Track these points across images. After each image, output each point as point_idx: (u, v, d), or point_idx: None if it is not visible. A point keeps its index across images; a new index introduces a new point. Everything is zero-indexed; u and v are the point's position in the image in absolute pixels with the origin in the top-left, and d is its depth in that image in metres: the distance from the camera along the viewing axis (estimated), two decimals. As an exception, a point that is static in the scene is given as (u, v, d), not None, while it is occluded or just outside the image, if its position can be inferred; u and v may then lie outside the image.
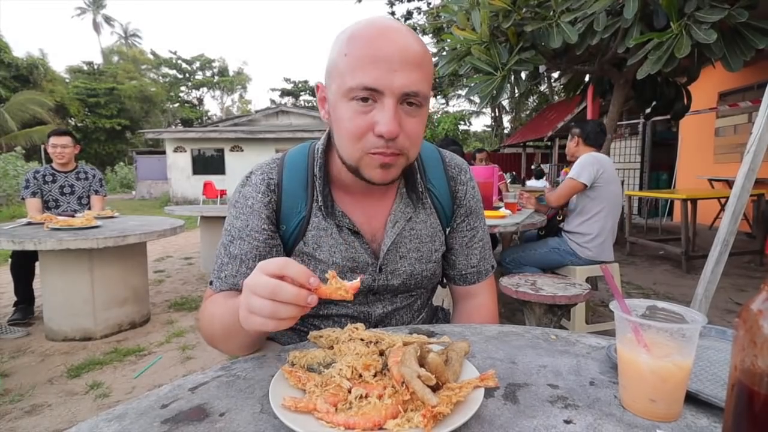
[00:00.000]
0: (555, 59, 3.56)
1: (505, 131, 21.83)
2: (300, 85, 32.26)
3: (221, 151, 15.00)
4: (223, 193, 10.92)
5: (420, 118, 0.68)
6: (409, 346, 0.51)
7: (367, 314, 0.82)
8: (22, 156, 12.34)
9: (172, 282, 4.02)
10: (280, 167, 0.80)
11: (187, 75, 34.75)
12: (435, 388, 0.46)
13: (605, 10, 2.84)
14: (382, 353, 0.56)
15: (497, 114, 22.39)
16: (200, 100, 36.23)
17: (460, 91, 18.70)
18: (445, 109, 21.66)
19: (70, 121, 24.44)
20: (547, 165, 11.76)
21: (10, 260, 2.84)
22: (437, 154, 0.87)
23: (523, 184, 8.78)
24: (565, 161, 9.54)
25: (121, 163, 22.51)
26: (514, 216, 2.53)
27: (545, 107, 15.21)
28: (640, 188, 7.84)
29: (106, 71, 28.22)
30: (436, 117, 17.94)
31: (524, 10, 3.15)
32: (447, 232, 0.86)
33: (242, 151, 14.88)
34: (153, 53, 34.08)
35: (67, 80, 26.83)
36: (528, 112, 21.13)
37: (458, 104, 22.47)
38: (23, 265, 2.80)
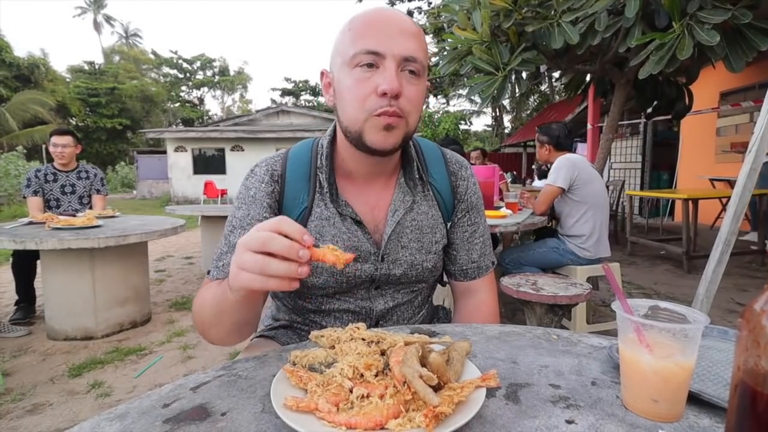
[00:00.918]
0: (556, 59, 3.56)
1: (506, 131, 21.81)
2: (300, 85, 32.27)
3: (222, 150, 15.02)
4: (223, 192, 10.92)
5: (419, 86, 0.71)
6: (410, 346, 0.51)
7: (369, 309, 0.83)
8: (23, 156, 12.36)
9: (173, 281, 4.02)
10: (284, 159, 0.83)
11: (188, 75, 34.79)
12: (436, 388, 0.46)
13: (606, 9, 2.83)
14: (383, 353, 0.56)
15: (498, 114, 22.37)
16: (201, 100, 36.27)
17: (460, 91, 18.68)
18: (446, 109, 21.64)
19: (71, 120, 24.47)
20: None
21: (11, 259, 2.85)
22: (439, 152, 0.89)
23: (524, 184, 8.77)
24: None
25: (122, 163, 22.51)
26: (515, 216, 2.53)
27: (546, 107, 15.19)
28: (642, 188, 7.83)
29: (107, 71, 28.25)
30: (436, 117, 17.93)
31: (525, 9, 3.15)
32: (448, 226, 0.88)
33: (243, 150, 14.90)
34: (154, 53, 34.13)
35: (69, 80, 26.88)
36: (529, 112, 21.12)
37: (459, 104, 22.48)
38: (24, 264, 2.80)
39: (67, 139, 3.05)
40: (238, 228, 0.77)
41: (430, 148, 0.89)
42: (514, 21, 3.14)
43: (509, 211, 2.59)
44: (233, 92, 38.90)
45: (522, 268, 2.52)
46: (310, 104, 30.35)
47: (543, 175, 9.24)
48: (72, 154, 3.07)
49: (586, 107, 6.41)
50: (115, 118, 25.49)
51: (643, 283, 3.75)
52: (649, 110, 4.03)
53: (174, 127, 25.54)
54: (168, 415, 0.48)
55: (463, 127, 20.18)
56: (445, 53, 3.71)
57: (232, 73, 37.60)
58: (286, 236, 0.49)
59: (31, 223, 2.67)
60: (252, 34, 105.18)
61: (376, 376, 0.51)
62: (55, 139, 3.02)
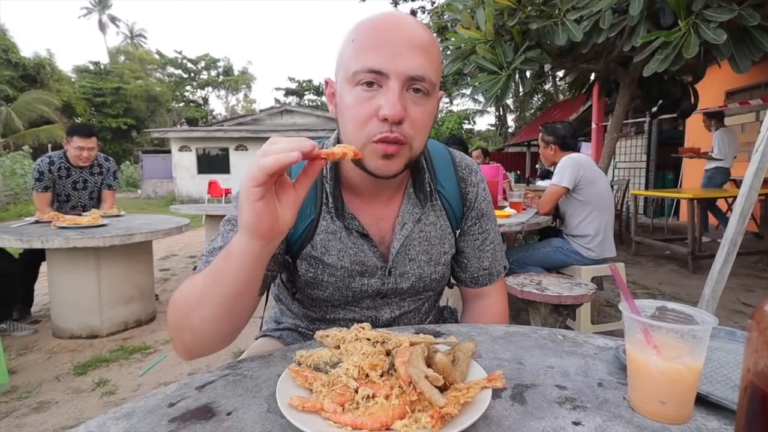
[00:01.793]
0: (560, 58, 3.54)
1: (510, 130, 21.75)
2: (304, 85, 32.31)
3: (226, 150, 15.06)
4: (227, 191, 10.95)
5: (426, 107, 0.66)
6: (416, 346, 0.51)
7: (375, 319, 0.81)
8: (29, 155, 12.45)
9: (177, 280, 4.04)
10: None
11: (192, 74, 34.92)
12: (442, 389, 0.46)
13: (611, 7, 2.81)
14: (388, 353, 0.55)
15: (502, 113, 22.31)
16: (205, 100, 36.40)
17: (464, 90, 18.65)
18: (450, 108, 21.61)
19: (76, 120, 24.60)
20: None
21: (18, 257, 2.85)
22: (447, 155, 0.85)
23: (528, 183, 8.74)
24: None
25: (127, 162, 22.63)
26: (519, 215, 2.53)
27: (550, 106, 15.13)
28: (646, 187, 7.78)
29: (113, 71, 28.40)
30: (440, 116, 17.93)
31: (529, 8, 3.13)
32: (457, 234, 0.85)
33: (247, 150, 14.93)
34: (158, 53, 34.30)
35: (74, 80, 27.04)
36: (533, 111, 21.03)
37: (462, 103, 22.45)
38: (29, 266, 2.80)
39: (93, 141, 2.90)
40: (237, 226, 0.73)
41: (439, 153, 0.85)
42: (518, 19, 3.13)
43: (513, 211, 2.58)
44: (237, 92, 39.01)
45: (526, 267, 2.51)
46: (314, 104, 30.37)
47: (545, 175, 9.20)
48: (93, 156, 2.96)
49: (591, 106, 6.38)
50: (120, 117, 25.63)
51: (648, 284, 3.73)
52: (654, 109, 4.01)
53: (178, 126, 25.66)
54: (174, 414, 0.48)
55: (466, 126, 20.16)
56: (449, 52, 3.70)
57: (236, 72, 37.70)
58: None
59: (37, 222, 2.69)
60: (256, 34, 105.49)
61: (382, 376, 0.51)
62: (80, 142, 2.83)
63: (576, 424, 0.46)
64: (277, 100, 33.12)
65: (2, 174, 10.21)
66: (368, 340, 0.57)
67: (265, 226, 0.50)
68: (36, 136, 17.62)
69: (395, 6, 13.43)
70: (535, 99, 20.40)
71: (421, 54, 0.63)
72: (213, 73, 36.02)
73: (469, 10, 3.34)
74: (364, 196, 0.77)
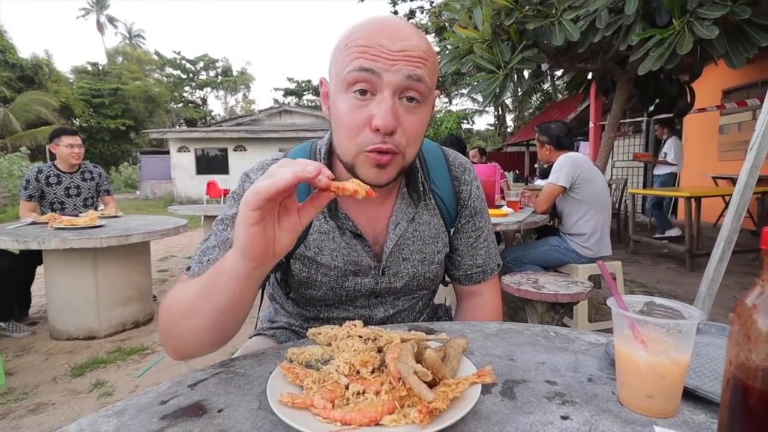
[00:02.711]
0: (557, 57, 3.55)
1: (509, 130, 21.76)
2: (303, 85, 32.32)
3: (225, 150, 15.05)
4: (226, 192, 10.93)
5: (420, 116, 0.66)
6: (406, 343, 0.52)
7: (369, 318, 0.81)
8: (27, 156, 12.43)
9: (175, 281, 4.03)
10: None
11: (191, 75, 34.89)
12: (432, 385, 0.47)
13: (607, 7, 2.82)
14: (380, 350, 0.56)
15: (500, 113, 22.32)
16: (204, 100, 36.36)
17: (462, 90, 18.66)
18: (448, 108, 21.62)
19: (74, 121, 24.56)
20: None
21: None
22: (440, 153, 0.86)
23: (526, 183, 8.75)
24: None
25: (126, 163, 22.58)
26: (516, 214, 2.53)
27: (548, 106, 15.15)
28: (644, 186, 7.79)
29: (111, 72, 28.34)
30: (438, 116, 17.93)
31: (526, 7, 3.14)
32: (451, 232, 0.85)
33: (246, 150, 14.92)
34: (157, 53, 34.22)
35: (72, 81, 26.97)
36: (531, 111, 21.04)
37: (461, 103, 22.44)
38: (26, 267, 2.79)
39: (79, 139, 3.02)
40: (232, 226, 0.71)
41: (432, 152, 0.85)
42: (515, 19, 3.14)
43: (510, 210, 2.59)
44: (236, 92, 38.98)
45: (523, 266, 2.52)
46: (313, 104, 30.36)
47: (544, 174, 9.22)
48: (82, 153, 3.04)
49: (589, 106, 6.39)
50: (119, 118, 25.57)
51: (646, 282, 3.74)
52: (651, 108, 4.02)
53: (177, 127, 25.60)
54: (165, 411, 0.49)
55: (465, 126, 20.17)
56: (447, 52, 3.71)
57: (234, 73, 37.67)
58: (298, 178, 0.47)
59: (34, 223, 2.68)
60: (255, 34, 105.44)
61: (373, 372, 0.51)
62: (69, 140, 2.94)
63: (564, 418, 0.46)
64: (276, 101, 33.14)
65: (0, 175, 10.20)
66: (360, 337, 0.58)
67: (258, 250, 0.49)
68: (34, 137, 17.56)
69: (394, 6, 13.45)
70: (534, 99, 20.41)
71: (415, 62, 0.62)
72: (212, 73, 36.00)
73: (466, 10, 3.34)
74: None
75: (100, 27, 35.89)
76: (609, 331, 0.73)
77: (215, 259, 0.68)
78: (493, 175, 2.82)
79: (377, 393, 0.47)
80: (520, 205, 2.79)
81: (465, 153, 4.03)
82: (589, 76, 4.26)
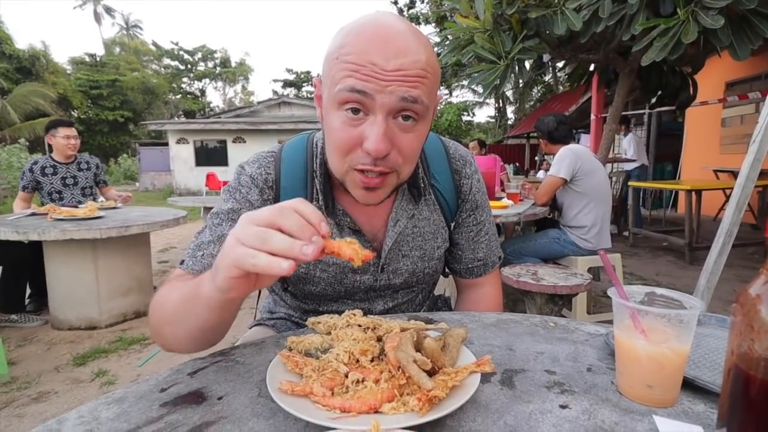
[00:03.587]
0: (559, 47, 3.51)
1: (509, 122, 21.65)
2: (302, 76, 32.06)
3: (224, 142, 14.99)
4: (225, 183, 10.92)
5: (417, 133, 0.63)
6: (405, 332, 0.52)
7: (368, 311, 0.81)
8: (25, 148, 12.39)
9: (175, 272, 4.04)
10: (277, 162, 0.76)
11: (189, 66, 34.60)
12: (432, 373, 0.47)
13: (611, -4, 2.79)
14: (379, 339, 0.56)
15: (501, 105, 22.19)
16: (202, 92, 36.12)
17: (463, 82, 18.52)
18: (449, 100, 21.50)
19: (73, 113, 24.43)
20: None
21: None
22: (440, 145, 0.84)
23: (527, 175, 8.73)
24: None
25: (125, 155, 22.50)
26: (516, 206, 2.53)
27: (550, 98, 15.05)
28: (645, 179, 7.77)
29: (109, 63, 28.10)
30: (439, 107, 17.79)
31: (529, -4, 3.11)
32: (451, 227, 0.84)
33: (245, 142, 14.87)
34: (155, 44, 33.91)
35: (70, 72, 26.77)
36: (532, 103, 20.92)
37: (461, 95, 22.30)
38: (35, 257, 2.78)
39: (75, 131, 3.06)
40: (228, 221, 0.70)
41: (432, 145, 0.83)
42: (517, 8, 3.10)
43: (510, 202, 2.59)
44: (235, 84, 38.70)
45: (523, 258, 2.52)
46: (312, 95, 30.12)
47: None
48: (78, 144, 3.08)
49: (590, 98, 6.35)
50: (117, 110, 25.42)
51: (645, 275, 3.75)
52: (653, 100, 3.99)
53: (176, 118, 25.50)
54: (165, 399, 0.49)
55: (466, 118, 20.07)
56: (447, 42, 3.68)
57: (233, 64, 37.36)
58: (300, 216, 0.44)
59: (33, 214, 2.68)
60: (253, 25, 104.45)
61: (372, 361, 0.51)
62: (66, 131, 2.99)
63: (563, 407, 0.46)
64: (275, 92, 32.93)
65: (-1, 167, 10.18)
66: (359, 326, 0.58)
67: (239, 292, 0.48)
68: (32, 128, 17.48)
69: (394, -3, 13.27)
70: (535, 91, 20.28)
71: (411, 82, 0.58)
72: (210, 64, 35.69)
73: (467, -1, 3.30)
74: None
75: (97, 17, 35.51)
76: (608, 322, 0.73)
77: (210, 254, 0.67)
78: (494, 166, 2.82)
79: (376, 381, 0.47)
80: (520, 197, 2.79)
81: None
82: (591, 67, 4.23)
